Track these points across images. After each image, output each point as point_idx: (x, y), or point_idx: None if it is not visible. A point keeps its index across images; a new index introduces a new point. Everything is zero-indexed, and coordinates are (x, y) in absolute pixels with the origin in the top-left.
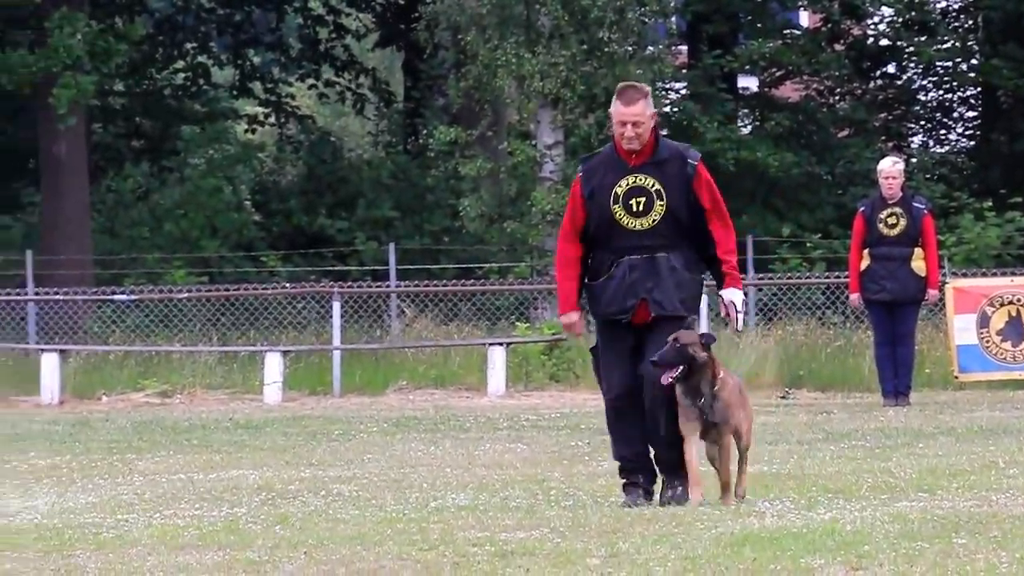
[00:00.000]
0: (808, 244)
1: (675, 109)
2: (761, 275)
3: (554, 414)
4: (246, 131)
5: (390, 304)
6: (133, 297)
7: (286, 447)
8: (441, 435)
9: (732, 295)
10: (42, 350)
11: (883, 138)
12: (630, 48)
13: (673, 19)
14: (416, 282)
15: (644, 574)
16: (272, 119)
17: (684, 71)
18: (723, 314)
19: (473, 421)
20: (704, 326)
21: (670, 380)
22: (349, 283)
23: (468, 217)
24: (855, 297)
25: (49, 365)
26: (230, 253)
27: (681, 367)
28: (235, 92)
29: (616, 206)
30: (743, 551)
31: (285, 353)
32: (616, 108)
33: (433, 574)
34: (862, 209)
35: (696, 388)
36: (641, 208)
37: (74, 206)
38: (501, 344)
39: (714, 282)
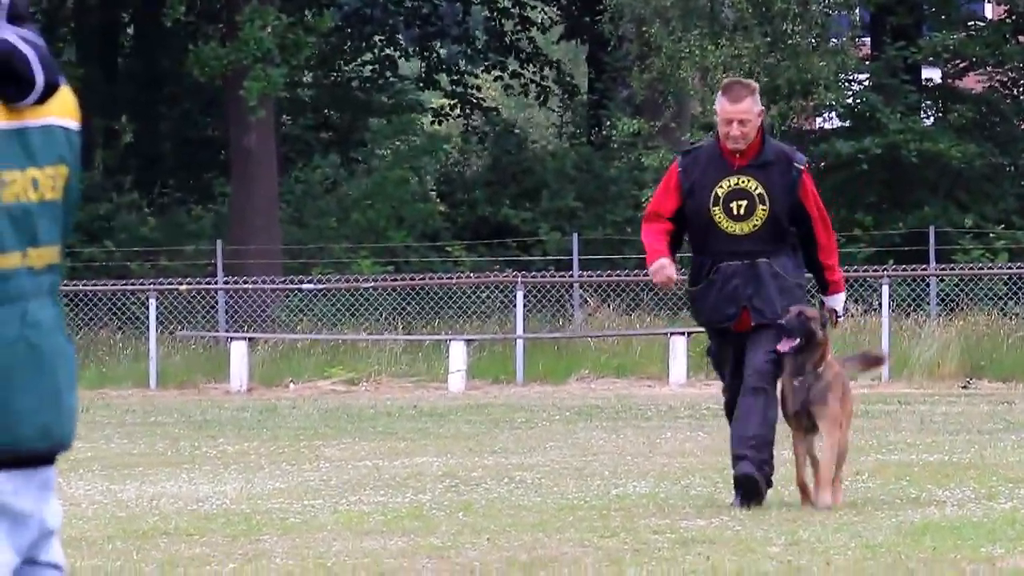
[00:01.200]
0: (991, 235)
1: (858, 101)
2: (943, 265)
3: None
4: (432, 123)
5: (573, 294)
6: (320, 286)
7: (470, 435)
8: (622, 424)
9: (835, 301)
10: (231, 338)
11: None
12: (813, 40)
13: (857, 10)
14: (598, 272)
15: (824, 562)
16: (457, 111)
17: (867, 63)
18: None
19: (654, 410)
20: None
21: (787, 349)
22: (532, 273)
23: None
24: None
25: (238, 353)
26: (416, 243)
27: (799, 339)
28: (421, 84)
29: (716, 208)
30: (923, 540)
31: (469, 342)
32: (721, 105)
33: (614, 561)
34: None
35: (803, 365)
36: (742, 212)
37: (263, 197)
38: (682, 334)
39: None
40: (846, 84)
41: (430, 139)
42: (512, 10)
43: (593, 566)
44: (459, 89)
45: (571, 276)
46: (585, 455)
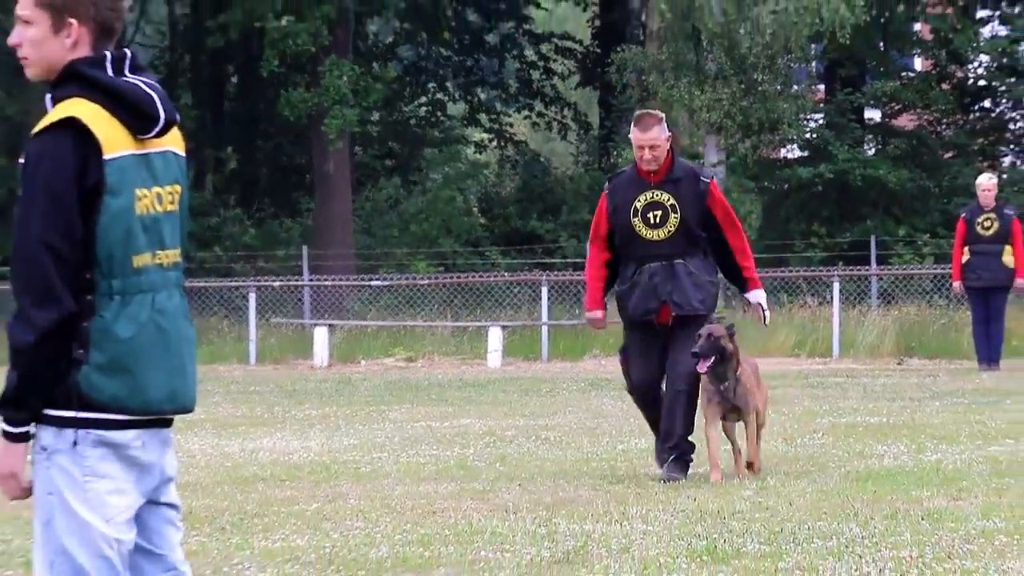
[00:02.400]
0: (919, 242)
1: (814, 135)
2: (882, 267)
3: None
4: (474, 152)
5: None
6: (385, 283)
7: (504, 401)
8: (626, 393)
9: (757, 296)
10: (315, 324)
11: (980, 159)
12: (779, 87)
13: (813, 64)
14: None
15: (787, 503)
16: (494, 143)
17: (822, 105)
18: (751, 314)
19: None
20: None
21: (706, 369)
22: (554, 272)
23: None
24: (957, 284)
25: (320, 336)
26: (461, 248)
27: (713, 356)
28: (466, 122)
29: (636, 219)
30: (866, 485)
31: (504, 328)
32: (634, 134)
33: (620, 502)
34: (963, 215)
35: (723, 374)
36: (658, 220)
37: (340, 212)
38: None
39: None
40: (805, 122)
41: (473, 166)
42: (538, 63)
43: (603, 506)
44: (496, 126)
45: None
46: (596, 418)
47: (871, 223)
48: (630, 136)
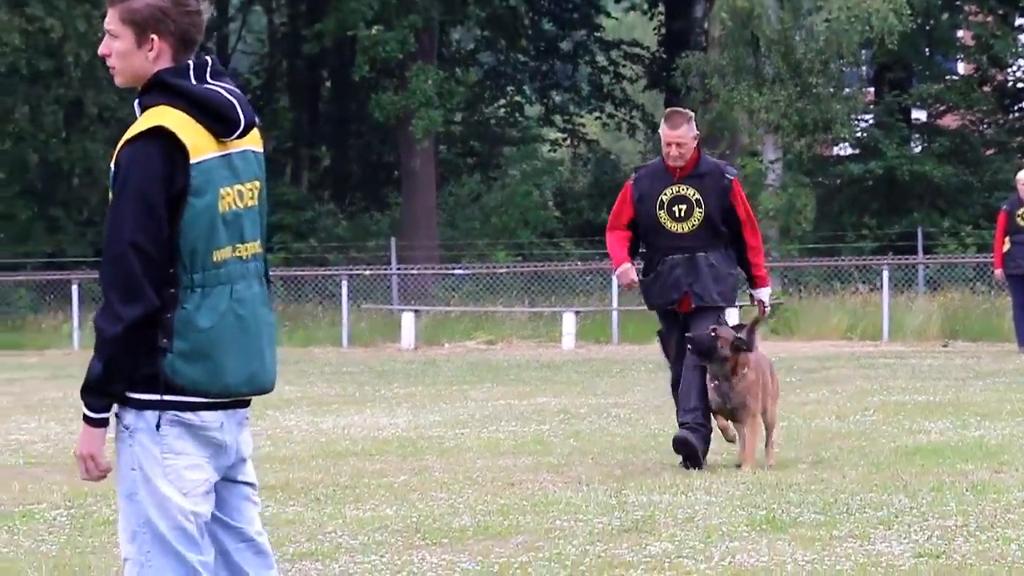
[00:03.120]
0: (963, 233)
1: (864, 134)
2: (928, 256)
3: (774, 358)
4: (549, 151)
5: None
6: (467, 271)
7: (577, 381)
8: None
9: (762, 294)
10: (402, 310)
11: (1019, 155)
12: (832, 89)
13: (863, 68)
14: None
15: (841, 476)
16: (568, 142)
17: (871, 106)
18: (757, 308)
19: None
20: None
21: (690, 351)
22: None
23: None
24: (999, 272)
25: (407, 321)
26: (537, 239)
27: (703, 354)
28: (541, 122)
29: (661, 211)
30: (914, 459)
31: (577, 313)
32: (663, 130)
33: (685, 474)
34: (1004, 207)
35: (716, 375)
36: (683, 214)
37: (425, 205)
38: (736, 306)
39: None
40: (856, 122)
41: (548, 163)
42: (608, 68)
43: (670, 478)
44: (569, 126)
45: None
46: (663, 396)
47: (918, 215)
48: (660, 132)
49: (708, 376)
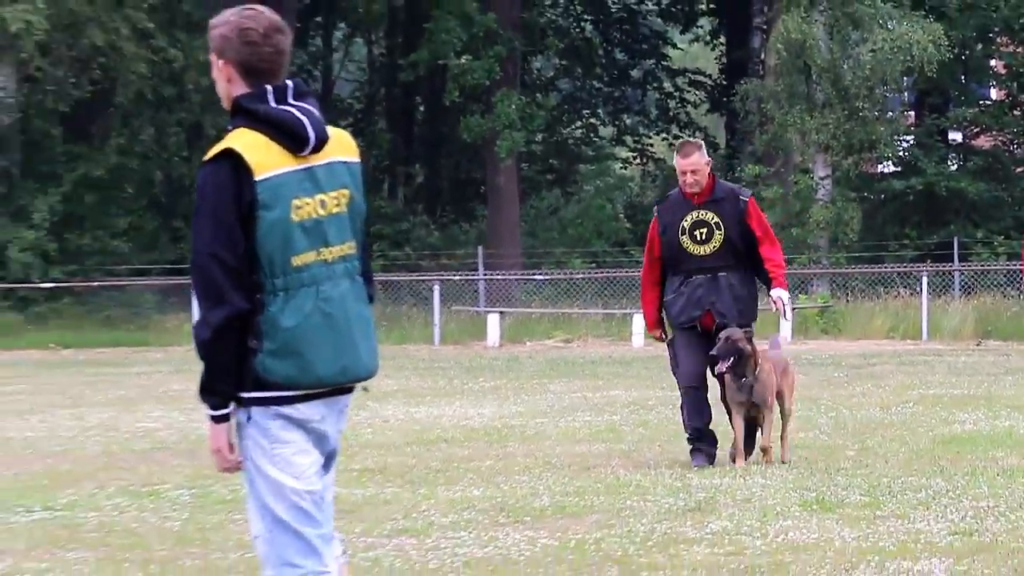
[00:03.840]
0: (995, 243)
1: (906, 153)
2: (963, 263)
3: (824, 355)
4: (620, 168)
5: None
6: (547, 277)
7: (646, 376)
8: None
9: (779, 293)
10: (488, 311)
11: None
12: (876, 113)
13: (905, 93)
14: None
15: (884, 461)
16: (638, 160)
17: (912, 128)
18: (774, 308)
19: None
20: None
21: (725, 369)
22: None
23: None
24: None
25: (493, 321)
26: (610, 248)
27: (732, 358)
28: (614, 142)
29: (684, 236)
30: (950, 446)
31: None
32: (677, 160)
33: (750, 462)
34: None
35: (742, 372)
36: (703, 237)
37: (509, 218)
38: (794, 309)
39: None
40: (898, 142)
41: (619, 179)
42: (674, 93)
43: (729, 463)
44: (639, 146)
45: None
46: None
47: (954, 227)
48: (674, 163)
49: (730, 378)
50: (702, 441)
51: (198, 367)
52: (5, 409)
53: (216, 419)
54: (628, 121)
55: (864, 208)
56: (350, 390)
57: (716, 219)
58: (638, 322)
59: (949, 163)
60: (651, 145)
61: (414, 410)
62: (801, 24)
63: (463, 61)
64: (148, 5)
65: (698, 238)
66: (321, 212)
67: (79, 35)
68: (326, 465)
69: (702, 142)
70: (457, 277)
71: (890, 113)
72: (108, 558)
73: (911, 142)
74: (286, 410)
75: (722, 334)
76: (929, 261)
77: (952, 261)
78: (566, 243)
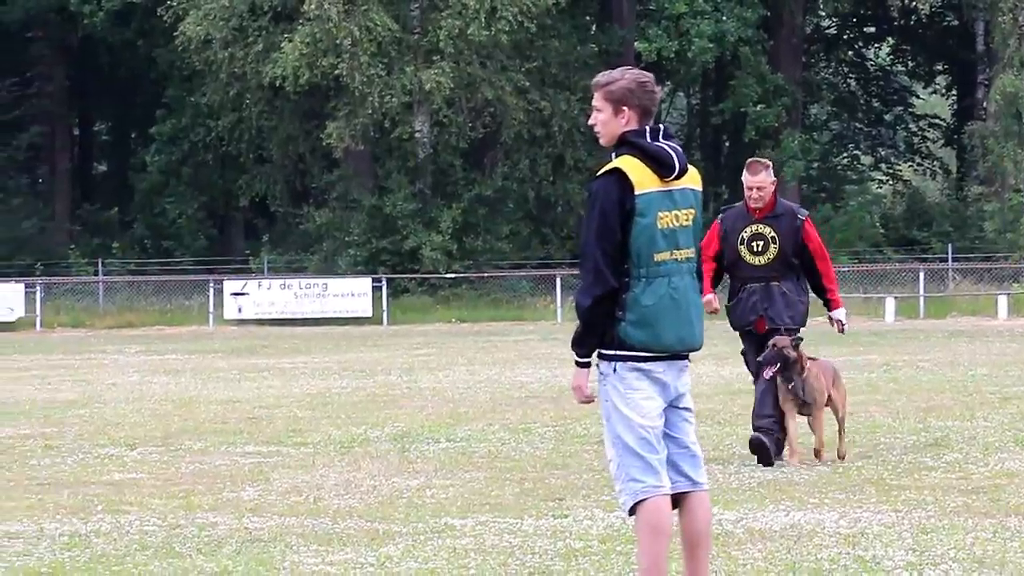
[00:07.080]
0: None
1: None
2: None
3: None
4: (877, 188)
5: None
6: None
7: (896, 344)
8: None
9: (838, 314)
10: None
11: None
12: None
13: None
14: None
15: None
16: (890, 182)
17: None
18: (834, 327)
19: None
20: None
21: (772, 374)
22: (926, 263)
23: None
24: None
25: None
26: (868, 248)
27: (778, 364)
28: (872, 169)
29: (742, 246)
30: None
31: (895, 298)
32: (745, 177)
33: (967, 407)
34: None
35: (790, 376)
36: (760, 248)
37: None
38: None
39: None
40: None
41: (876, 197)
42: (917, 132)
43: (959, 410)
44: (891, 171)
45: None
46: (952, 356)
47: None
48: (742, 179)
49: (780, 381)
50: (765, 434)
51: (564, 336)
52: (419, 366)
53: (581, 365)
54: (882, 153)
55: None
56: (686, 356)
57: (773, 233)
58: (889, 303)
59: None
60: (900, 171)
61: (720, 369)
62: (1015, 80)
63: (758, 109)
64: (525, 69)
65: (755, 249)
66: (676, 224)
67: (475, 91)
68: (677, 412)
69: (769, 163)
70: None
71: None
72: (494, 477)
73: None
74: (641, 365)
75: (770, 342)
76: None
77: None
78: (835, 245)
